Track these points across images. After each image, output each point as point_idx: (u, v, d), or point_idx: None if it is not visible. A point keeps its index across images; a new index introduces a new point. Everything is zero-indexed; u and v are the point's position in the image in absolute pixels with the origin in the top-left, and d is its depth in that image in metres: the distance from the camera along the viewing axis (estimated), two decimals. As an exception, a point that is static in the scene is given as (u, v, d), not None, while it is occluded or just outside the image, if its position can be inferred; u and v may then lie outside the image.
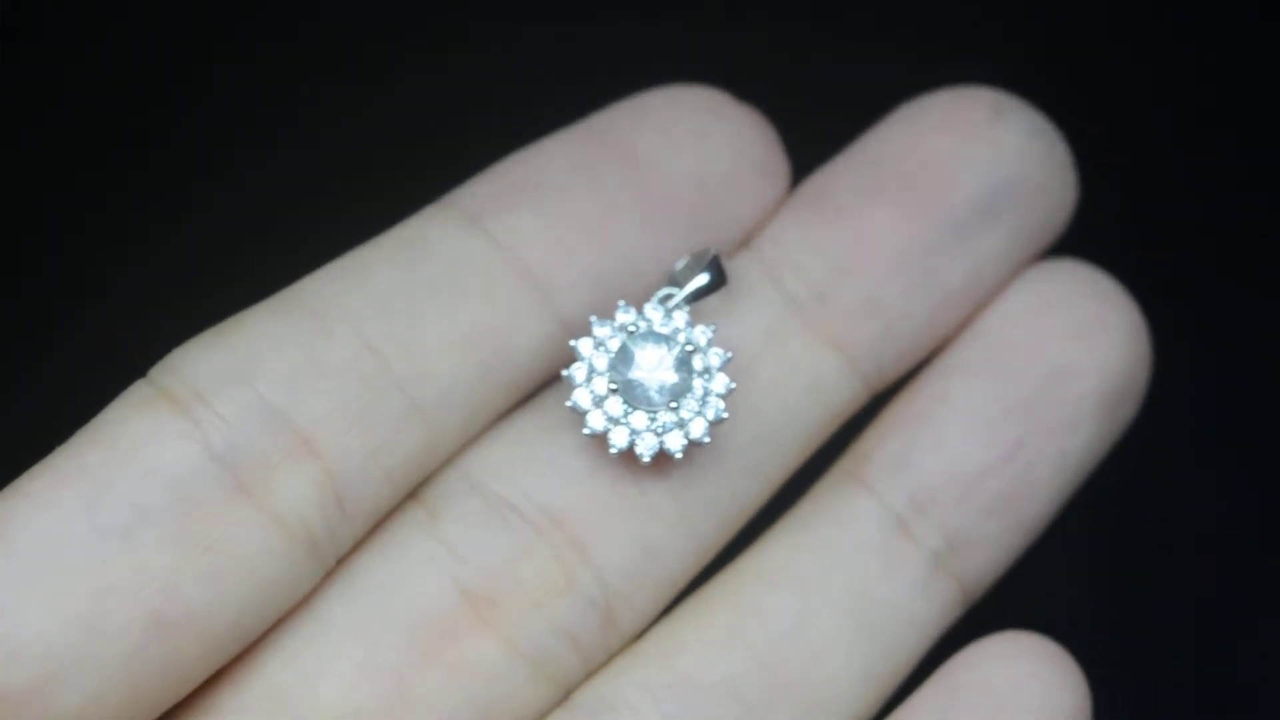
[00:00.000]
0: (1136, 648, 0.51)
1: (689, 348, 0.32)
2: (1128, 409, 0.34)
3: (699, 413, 0.32)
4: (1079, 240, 0.35)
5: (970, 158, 0.33)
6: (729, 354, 0.32)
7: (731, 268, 0.33)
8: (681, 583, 0.33)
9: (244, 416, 0.30)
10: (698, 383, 0.32)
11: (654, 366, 0.32)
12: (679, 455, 0.32)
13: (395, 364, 0.31)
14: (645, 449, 0.32)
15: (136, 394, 0.30)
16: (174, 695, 0.29)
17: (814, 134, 0.35)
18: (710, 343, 0.32)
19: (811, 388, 0.33)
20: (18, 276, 0.49)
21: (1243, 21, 0.51)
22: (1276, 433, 0.52)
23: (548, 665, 0.31)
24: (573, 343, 0.32)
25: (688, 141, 0.33)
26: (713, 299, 0.33)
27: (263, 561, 0.29)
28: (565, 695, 0.32)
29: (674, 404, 0.32)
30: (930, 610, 0.33)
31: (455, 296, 0.31)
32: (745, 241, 0.34)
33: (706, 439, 0.32)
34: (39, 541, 0.28)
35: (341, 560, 0.31)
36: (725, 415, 0.32)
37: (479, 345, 0.31)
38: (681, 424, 0.32)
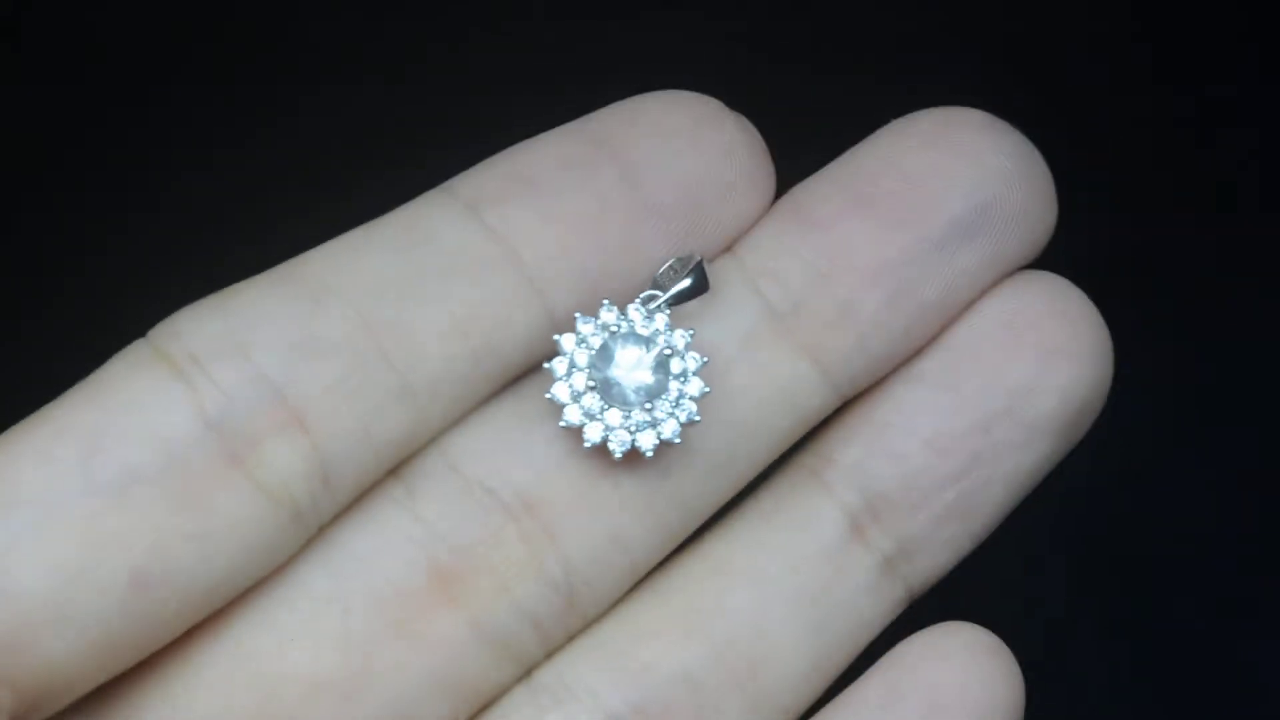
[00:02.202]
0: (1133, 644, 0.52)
1: (667, 351, 0.33)
2: (1085, 426, 0.35)
3: (672, 414, 0.33)
4: (1066, 248, 0.35)
5: (954, 176, 0.34)
6: (705, 359, 0.33)
7: (713, 273, 0.34)
8: (643, 569, 0.34)
9: (239, 386, 0.30)
10: (673, 385, 0.33)
11: (632, 366, 0.33)
12: (650, 454, 0.33)
13: (389, 345, 0.32)
14: (618, 445, 0.33)
15: (135, 354, 0.31)
16: (150, 649, 0.30)
17: (800, 147, 0.35)
18: (688, 346, 0.33)
19: (783, 394, 0.34)
20: (19, 244, 0.49)
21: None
22: (1268, 434, 0.52)
23: (509, 645, 0.33)
24: (556, 337, 0.33)
25: (681, 146, 0.34)
26: (693, 303, 0.33)
27: (247, 528, 0.30)
28: (524, 673, 0.33)
29: (649, 404, 0.33)
30: (877, 610, 0.34)
31: (451, 283, 0.32)
32: (728, 246, 0.34)
33: (677, 439, 0.33)
34: (33, 493, 0.29)
35: (322, 529, 0.32)
36: (697, 418, 0.33)
37: (471, 333, 0.32)
38: (654, 424, 0.33)
